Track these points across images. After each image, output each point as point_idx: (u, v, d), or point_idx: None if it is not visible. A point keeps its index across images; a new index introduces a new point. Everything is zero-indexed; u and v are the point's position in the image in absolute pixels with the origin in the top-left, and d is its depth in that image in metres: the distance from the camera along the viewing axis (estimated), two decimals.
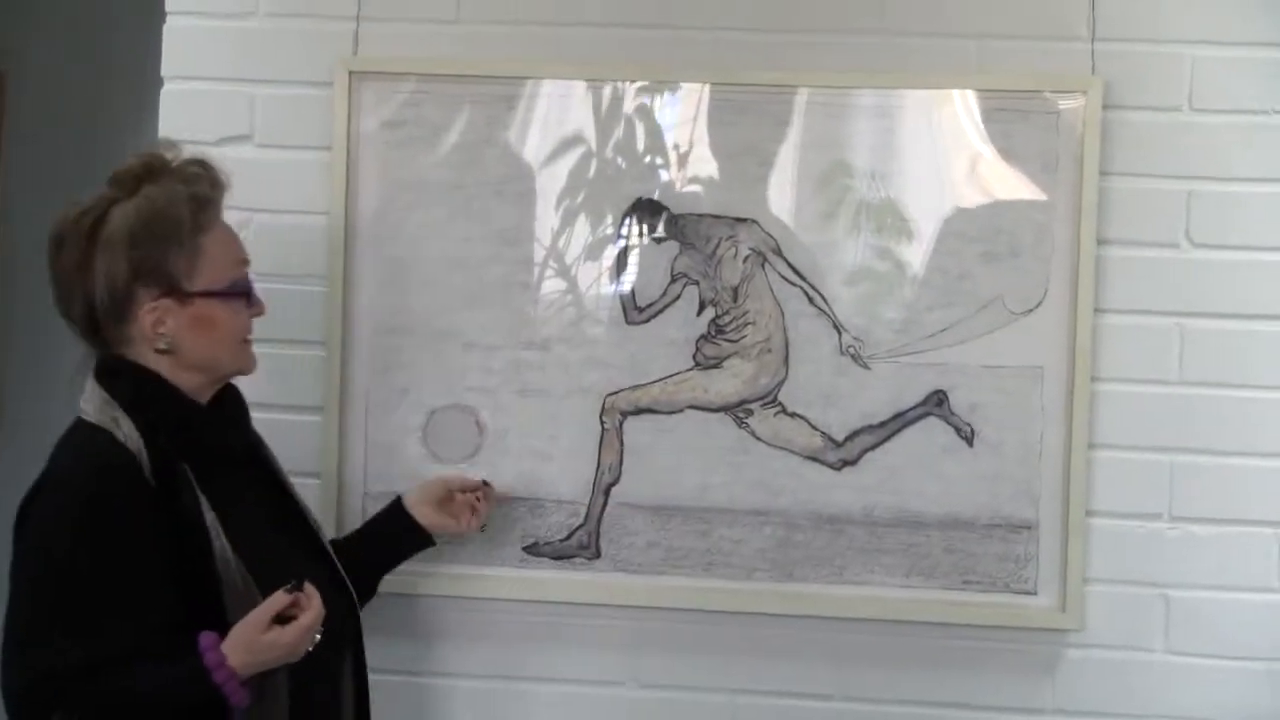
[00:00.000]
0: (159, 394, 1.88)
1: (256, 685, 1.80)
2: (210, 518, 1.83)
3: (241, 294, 1.95)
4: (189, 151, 1.95)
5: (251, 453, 2.04)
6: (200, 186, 1.91)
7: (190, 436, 1.87)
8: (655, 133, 2.28)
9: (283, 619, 1.78)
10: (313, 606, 1.80)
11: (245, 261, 1.97)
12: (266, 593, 1.81)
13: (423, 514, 2.20)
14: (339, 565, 2.05)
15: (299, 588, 1.80)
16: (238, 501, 1.90)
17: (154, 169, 1.91)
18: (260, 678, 1.80)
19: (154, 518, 1.80)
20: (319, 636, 1.83)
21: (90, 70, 3.86)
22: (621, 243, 2.28)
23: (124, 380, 1.88)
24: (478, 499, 2.22)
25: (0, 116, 3.87)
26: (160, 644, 1.77)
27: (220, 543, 1.82)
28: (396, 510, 2.21)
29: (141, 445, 1.82)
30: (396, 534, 2.21)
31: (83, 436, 1.86)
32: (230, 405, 1.99)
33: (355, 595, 2.06)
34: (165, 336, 1.87)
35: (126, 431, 1.83)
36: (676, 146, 2.28)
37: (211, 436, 1.92)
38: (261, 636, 1.77)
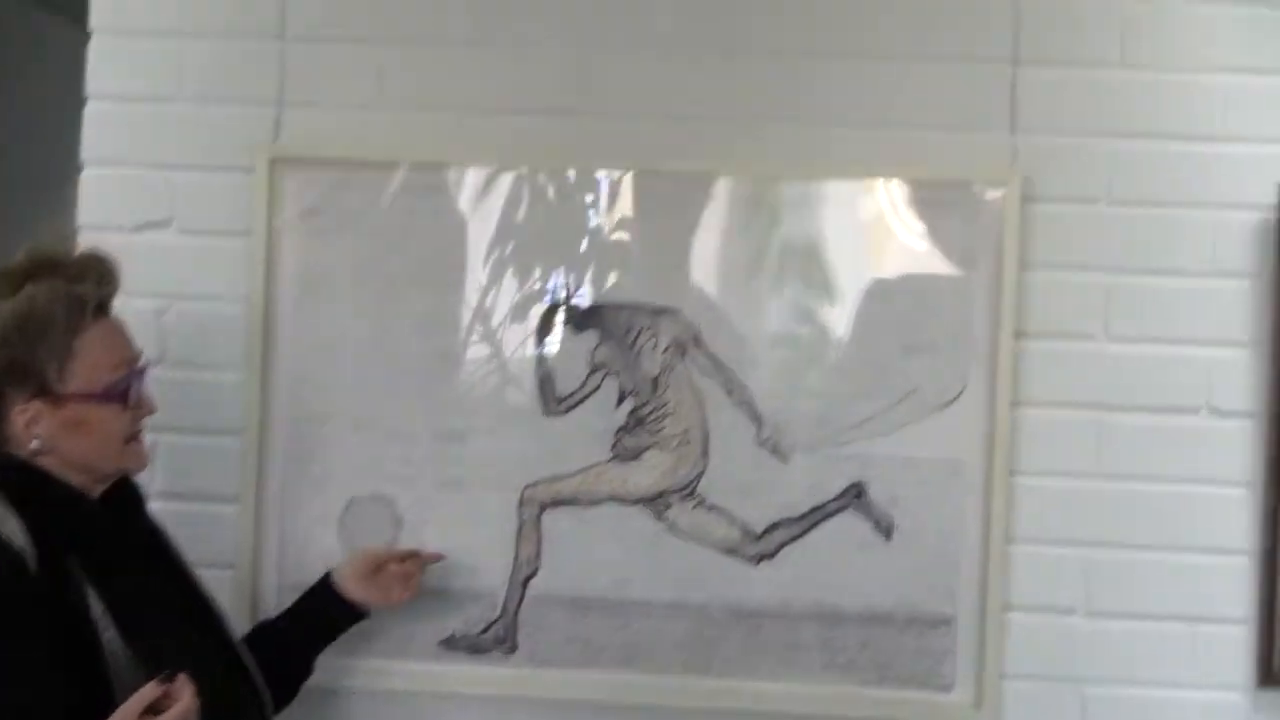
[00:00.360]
0: (41, 488, 1.90)
1: None
2: (98, 610, 1.85)
3: (118, 396, 1.96)
4: (86, 245, 1.99)
5: (149, 541, 2.07)
6: (84, 285, 1.93)
7: (76, 529, 1.91)
8: (577, 220, 2.35)
9: (156, 710, 1.80)
10: (184, 698, 1.81)
11: (129, 361, 1.98)
12: None
13: (352, 588, 2.24)
14: (247, 657, 2.10)
15: (170, 679, 1.82)
16: (130, 592, 1.92)
17: (41, 265, 1.93)
18: None
19: (39, 618, 1.82)
20: None
21: (15, 153, 3.93)
22: (541, 332, 2.35)
23: (8, 475, 1.91)
24: (407, 568, 2.28)
25: None
26: None
27: (109, 634, 1.85)
28: (325, 586, 2.26)
29: (28, 541, 1.84)
30: (327, 610, 2.25)
31: None
32: (121, 496, 2.02)
33: (264, 686, 2.09)
34: (39, 437, 1.90)
35: (11, 527, 1.85)
36: (596, 234, 2.35)
37: (99, 528, 1.95)
38: None
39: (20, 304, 1.90)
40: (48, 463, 1.92)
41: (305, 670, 2.25)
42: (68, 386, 1.91)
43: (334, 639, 2.28)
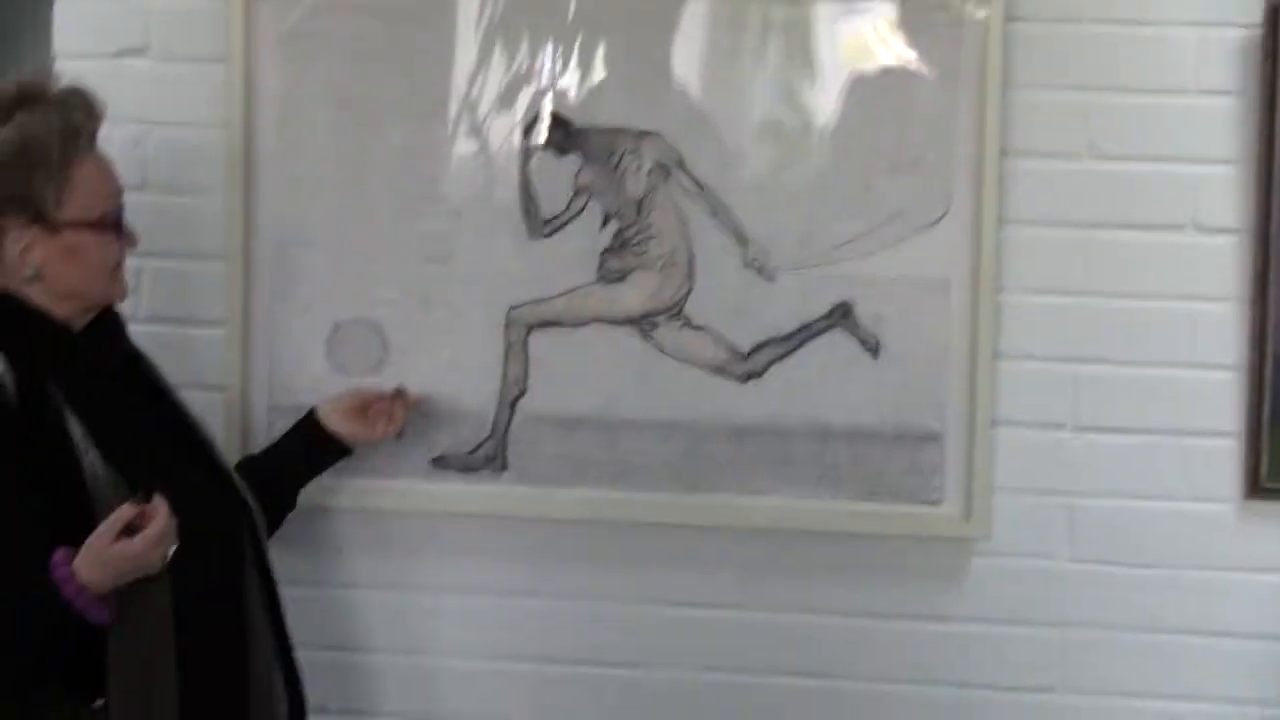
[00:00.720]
0: (22, 316, 1.97)
1: (130, 599, 1.89)
2: (78, 433, 1.92)
3: (112, 226, 2.03)
4: (68, 78, 2.03)
5: (130, 367, 2.13)
6: (74, 115, 1.99)
7: (56, 356, 1.98)
8: (560, 43, 2.40)
9: (133, 531, 1.87)
10: (159, 516, 1.88)
11: (118, 192, 2.05)
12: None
13: (337, 423, 2.32)
14: (234, 475, 2.16)
15: (147, 499, 1.89)
16: (112, 414, 1.99)
17: (29, 96, 1.98)
18: (135, 592, 1.90)
19: (16, 441, 1.89)
20: (173, 547, 1.91)
21: None
22: (524, 156, 2.42)
23: None
24: (393, 406, 2.36)
25: None
26: (26, 570, 1.86)
27: (89, 457, 1.91)
28: (310, 422, 2.33)
29: (6, 369, 1.91)
30: (312, 445, 2.32)
31: None
32: (104, 324, 2.08)
33: (258, 507, 2.18)
34: (32, 265, 1.97)
35: None
36: (580, 57, 2.40)
37: (79, 355, 2.01)
38: (109, 548, 1.81)
39: (14, 132, 1.95)
40: (35, 292, 1.98)
41: (288, 504, 2.33)
42: (64, 214, 1.97)
43: (318, 473, 2.35)
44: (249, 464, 2.31)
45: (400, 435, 2.38)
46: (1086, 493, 2.41)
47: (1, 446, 1.89)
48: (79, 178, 1.99)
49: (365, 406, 2.34)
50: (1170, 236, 2.39)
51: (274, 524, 2.29)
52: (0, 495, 1.87)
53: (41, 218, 1.96)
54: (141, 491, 1.91)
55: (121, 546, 1.86)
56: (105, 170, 2.05)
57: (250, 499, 2.16)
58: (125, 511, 1.88)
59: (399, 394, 2.35)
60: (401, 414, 2.36)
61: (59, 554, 1.85)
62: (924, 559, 2.41)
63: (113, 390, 2.06)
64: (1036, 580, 2.41)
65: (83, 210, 1.99)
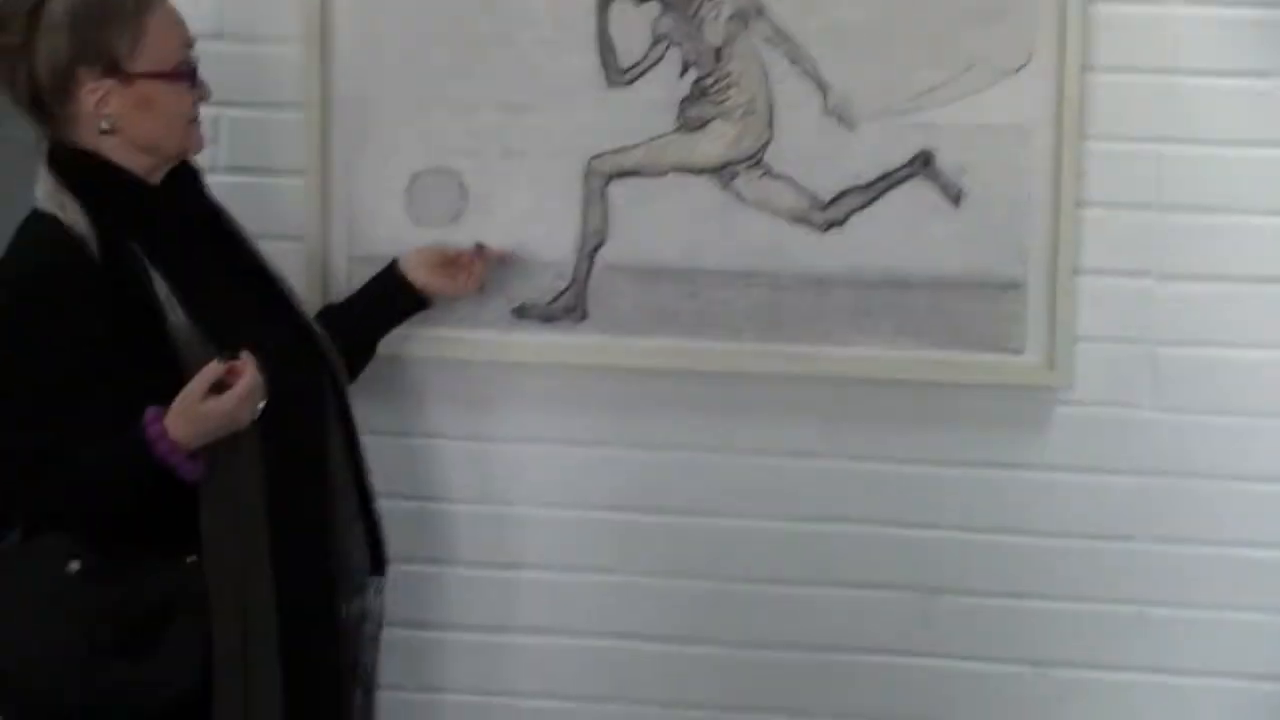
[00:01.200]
0: (103, 175, 2.04)
1: (220, 455, 1.99)
2: (164, 291, 2.00)
3: (186, 76, 2.10)
4: None
5: (210, 222, 2.21)
6: None
7: (137, 212, 2.05)
8: None
9: (221, 387, 1.96)
10: (247, 373, 1.97)
11: (190, 44, 2.11)
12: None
13: (418, 275, 2.41)
14: (316, 328, 2.25)
15: (234, 356, 1.97)
16: (195, 271, 2.07)
17: None
18: (224, 448, 1.99)
19: (102, 299, 1.97)
20: (262, 403, 2.00)
21: None
22: (602, 3, 2.50)
23: (69, 164, 2.04)
24: (474, 262, 2.45)
25: None
26: (113, 426, 1.95)
27: (175, 315, 1.99)
28: (391, 272, 2.42)
29: (89, 227, 1.99)
30: (392, 295, 2.42)
31: (32, 224, 2.02)
32: (182, 179, 2.16)
33: (340, 359, 2.28)
34: (108, 117, 2.03)
35: (72, 215, 2.00)
36: None
37: (160, 210, 2.09)
38: (199, 406, 1.90)
39: None
40: (112, 145, 2.05)
41: (368, 352, 2.42)
42: (138, 65, 2.04)
43: (396, 324, 2.44)
44: (329, 313, 2.40)
45: (481, 290, 2.46)
46: (1170, 341, 2.47)
47: (89, 306, 1.96)
48: (152, 29, 2.06)
49: (447, 260, 2.43)
50: (1259, 83, 2.43)
51: (353, 372, 2.37)
52: (90, 355, 1.95)
53: (115, 69, 2.02)
54: (228, 349, 1.99)
55: (211, 404, 1.95)
56: (177, 22, 2.11)
57: (332, 353, 2.25)
58: (213, 369, 1.96)
59: (480, 250, 2.44)
60: (482, 270, 2.44)
61: (150, 412, 1.94)
62: (1006, 408, 2.49)
63: (195, 247, 2.14)
64: (1119, 429, 2.48)
65: (156, 61, 2.06)
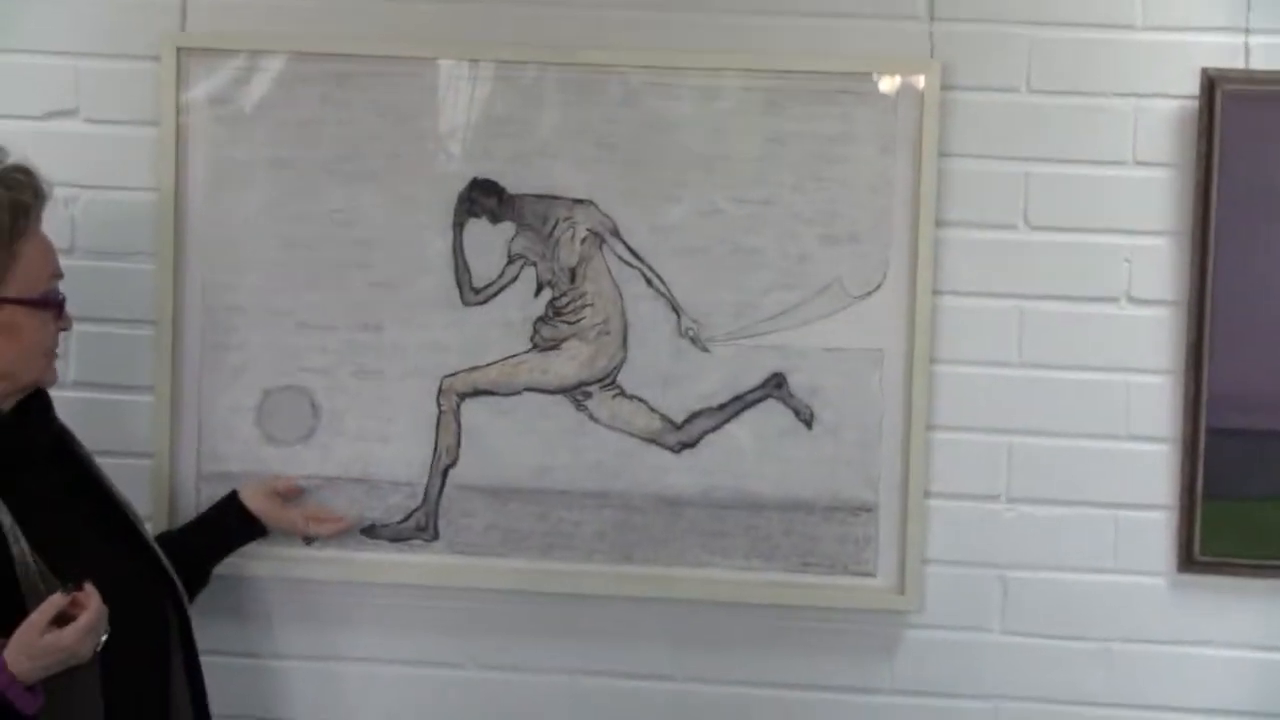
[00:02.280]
0: None
1: (58, 687, 2.01)
2: (8, 522, 2.04)
3: (53, 305, 2.17)
4: (13, 157, 2.17)
5: (58, 450, 2.26)
6: (23, 194, 2.12)
7: None
8: (491, 112, 2.56)
9: (64, 620, 1.99)
10: (91, 607, 2.00)
11: (58, 275, 2.19)
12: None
13: (255, 504, 2.49)
14: (160, 555, 2.29)
15: (78, 588, 2.01)
16: (41, 503, 2.11)
17: None
18: (64, 679, 2.02)
19: None
20: (104, 636, 2.03)
21: None
22: (457, 223, 2.60)
23: None
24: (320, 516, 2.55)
25: None
26: None
27: (19, 547, 2.03)
28: (231, 501, 2.50)
29: None
30: (229, 523, 2.49)
31: None
32: (33, 407, 2.20)
33: (182, 585, 2.31)
34: None
35: None
36: (511, 126, 2.55)
37: (7, 442, 2.13)
38: (40, 640, 1.92)
39: None
40: None
41: (203, 579, 2.47)
42: (6, 290, 2.11)
43: (232, 551, 2.52)
44: (166, 539, 2.44)
45: (309, 542, 2.57)
46: (1019, 565, 2.58)
47: None
48: (24, 255, 2.13)
49: (281, 493, 2.53)
50: (1105, 308, 2.56)
51: (189, 598, 2.40)
52: None
53: None
54: (72, 582, 2.02)
55: (53, 638, 1.98)
56: (49, 251, 2.19)
57: (176, 580, 2.30)
58: (55, 601, 1.99)
59: (323, 520, 2.56)
60: (325, 529, 2.54)
61: None
62: (857, 631, 2.58)
63: (40, 477, 2.18)
64: (969, 653, 2.58)
65: (24, 288, 2.13)
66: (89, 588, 2.02)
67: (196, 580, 2.43)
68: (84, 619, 1.98)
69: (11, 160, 2.16)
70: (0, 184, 2.11)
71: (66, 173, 2.47)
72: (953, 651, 2.58)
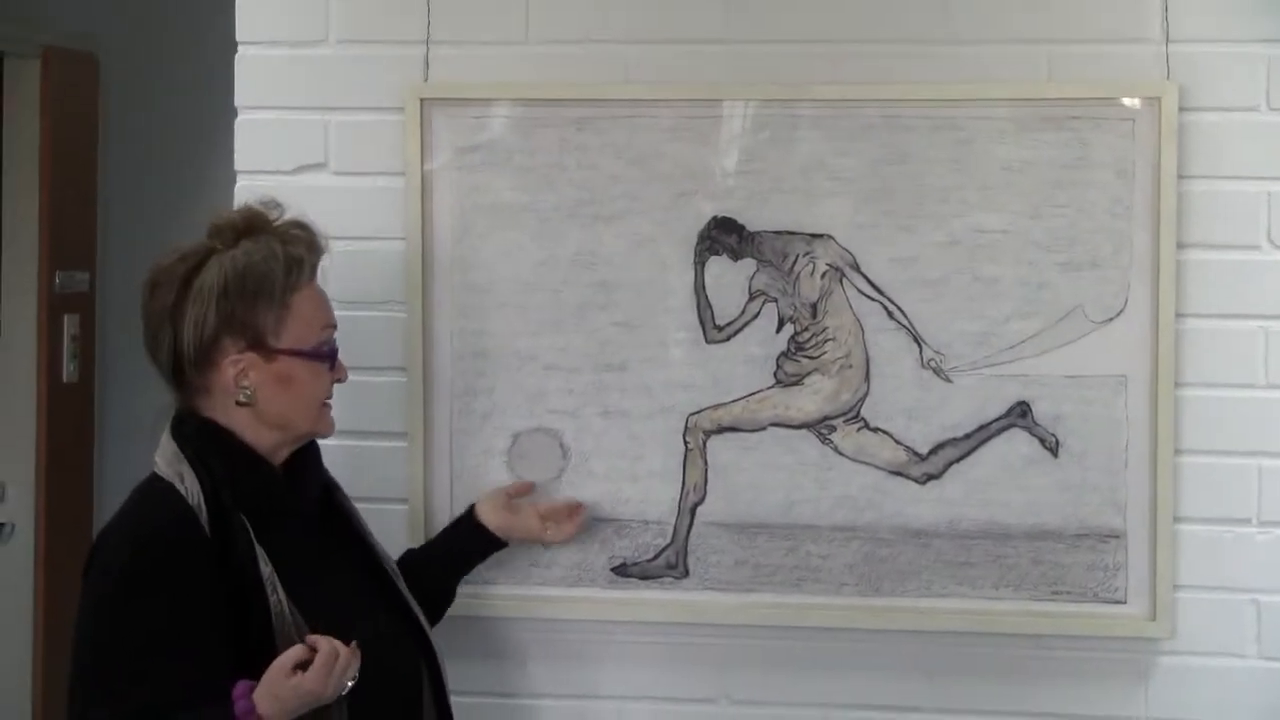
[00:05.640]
0: (224, 447, 2.29)
1: None
2: (267, 571, 2.24)
3: (326, 356, 2.41)
4: (291, 213, 2.40)
5: (324, 500, 2.53)
6: (297, 247, 2.35)
7: (252, 492, 2.29)
8: (728, 150, 2.84)
9: (305, 666, 2.22)
10: (323, 649, 2.15)
11: (333, 325, 2.40)
12: None
13: (490, 518, 2.74)
14: (416, 611, 2.55)
15: (315, 647, 2.23)
16: (301, 554, 2.31)
17: (254, 225, 2.36)
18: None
19: (208, 573, 2.20)
20: (350, 681, 2.26)
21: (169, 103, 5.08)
22: (699, 261, 2.87)
23: (193, 433, 2.30)
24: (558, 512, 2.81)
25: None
26: (209, 696, 2.12)
27: (276, 596, 2.23)
28: (469, 517, 2.77)
29: (202, 499, 2.24)
30: (468, 538, 2.77)
31: (149, 490, 2.28)
32: (303, 461, 2.41)
33: (429, 627, 2.57)
34: (246, 389, 2.30)
35: (189, 485, 2.24)
36: (750, 164, 2.84)
37: (274, 491, 2.34)
38: (285, 682, 2.12)
39: (241, 257, 2.36)
40: (244, 418, 2.38)
41: (449, 596, 2.76)
42: (281, 341, 2.38)
43: (475, 565, 2.79)
44: (410, 558, 2.74)
45: (559, 541, 2.84)
46: (1273, 589, 2.79)
47: (194, 580, 2.20)
48: (298, 307, 2.40)
49: (513, 495, 2.79)
50: None
51: (436, 615, 2.70)
52: (190, 626, 2.18)
53: (259, 342, 2.32)
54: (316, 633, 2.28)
55: (296, 681, 2.13)
56: (322, 302, 2.47)
57: (433, 638, 2.56)
58: (298, 650, 2.23)
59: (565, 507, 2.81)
60: (569, 527, 2.81)
61: (240, 686, 2.13)
62: (1109, 659, 2.81)
63: (306, 530, 2.45)
64: (1225, 679, 2.79)
65: (299, 339, 2.39)
66: (321, 638, 2.24)
67: (441, 597, 2.72)
68: (319, 659, 2.21)
69: (289, 216, 2.45)
70: (277, 239, 2.40)
71: (317, 225, 2.74)
72: (1208, 678, 2.79)
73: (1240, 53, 2.77)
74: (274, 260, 2.32)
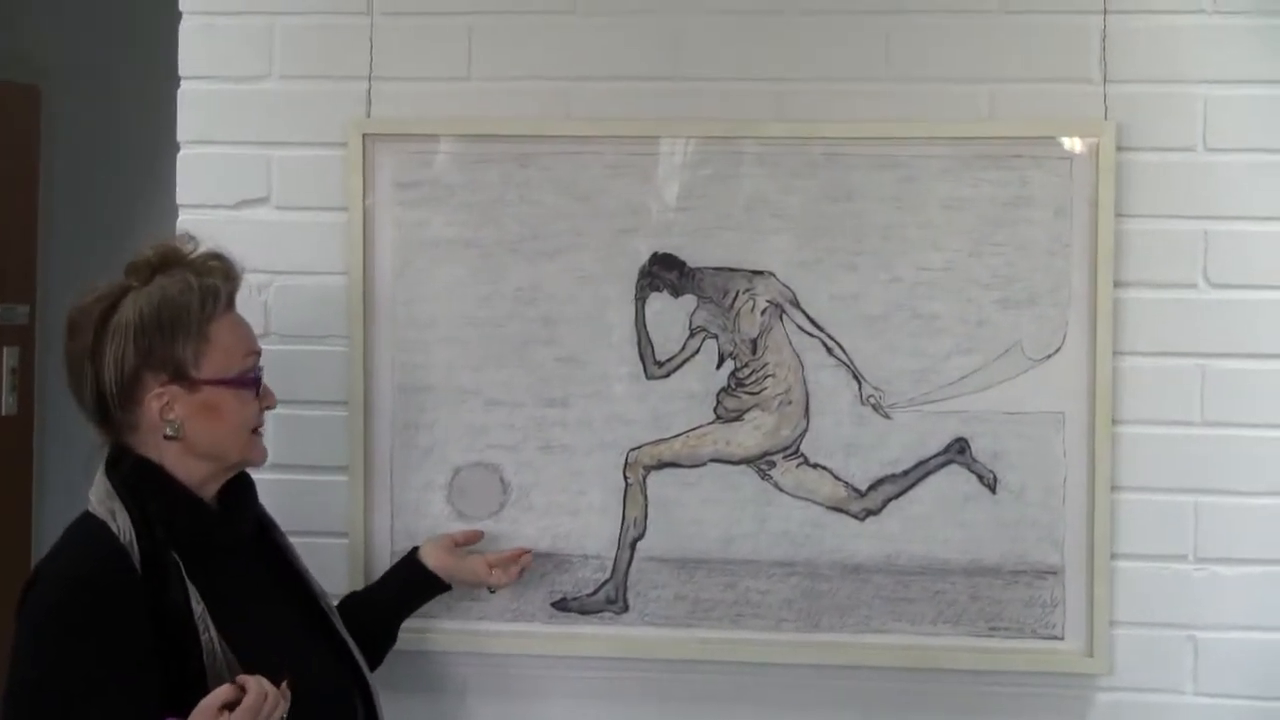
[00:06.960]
0: (157, 484, 2.33)
1: None
2: (199, 610, 2.25)
3: (251, 383, 2.43)
4: (206, 245, 2.43)
5: (258, 535, 2.51)
6: (212, 278, 2.38)
7: (185, 529, 2.31)
8: (670, 187, 2.95)
9: (233, 705, 2.24)
10: (251, 690, 2.15)
11: (256, 353, 2.44)
12: None
13: (433, 560, 2.84)
14: (352, 648, 2.61)
15: (244, 687, 2.24)
16: (234, 591, 2.34)
17: (168, 259, 2.39)
18: None
19: (140, 612, 2.21)
20: (281, 719, 2.19)
21: (111, 135, 5.17)
22: (639, 298, 2.97)
23: (126, 470, 2.33)
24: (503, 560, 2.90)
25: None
26: None
27: (208, 635, 2.24)
28: (412, 559, 2.86)
29: (134, 537, 2.25)
30: (412, 580, 2.85)
31: (81, 527, 2.30)
32: (236, 495, 2.46)
33: (366, 664, 2.63)
34: (173, 422, 2.33)
35: (120, 523, 2.26)
36: (692, 200, 2.94)
37: (207, 527, 2.37)
38: None
39: (156, 292, 2.42)
40: (174, 452, 2.37)
41: (391, 638, 2.84)
42: (203, 372, 2.43)
43: (417, 608, 2.87)
44: (352, 600, 2.83)
45: (492, 590, 2.93)
46: (1211, 625, 2.89)
47: (124, 619, 2.22)
48: (217, 336, 2.46)
49: (460, 543, 2.89)
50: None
51: (378, 658, 2.79)
52: (121, 667, 2.20)
53: (181, 375, 2.34)
54: (240, 674, 2.29)
55: None
56: (243, 330, 2.54)
57: (368, 675, 2.63)
58: (226, 691, 2.25)
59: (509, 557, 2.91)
60: (511, 572, 2.91)
61: None
62: (1047, 694, 2.91)
63: (237, 571, 2.41)
64: (1162, 715, 2.89)
65: (220, 368, 2.40)
66: (252, 678, 2.25)
67: (384, 637, 2.81)
68: (247, 700, 2.16)
69: (204, 249, 2.52)
70: (191, 271, 2.40)
71: (259, 259, 2.88)
72: (1145, 714, 2.89)
73: (1178, 93, 2.90)
74: (189, 292, 2.36)
